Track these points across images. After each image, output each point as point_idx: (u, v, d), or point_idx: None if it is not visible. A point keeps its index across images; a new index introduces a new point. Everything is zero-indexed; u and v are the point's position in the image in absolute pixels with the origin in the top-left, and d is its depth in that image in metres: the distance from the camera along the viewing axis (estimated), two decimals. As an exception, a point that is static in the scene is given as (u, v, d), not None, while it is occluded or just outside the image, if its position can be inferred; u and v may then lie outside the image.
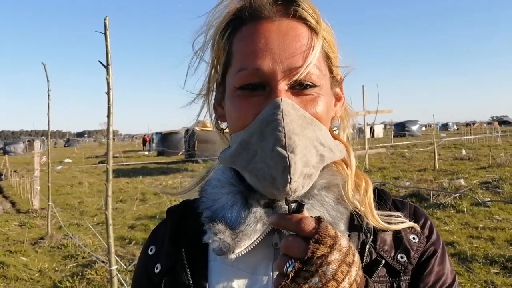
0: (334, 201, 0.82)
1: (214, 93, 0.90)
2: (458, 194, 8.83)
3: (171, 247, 0.87)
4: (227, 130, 0.90)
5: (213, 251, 0.78)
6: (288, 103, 0.72)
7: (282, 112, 0.71)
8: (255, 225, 0.78)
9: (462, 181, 11.12)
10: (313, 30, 0.78)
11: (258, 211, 0.79)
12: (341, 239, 0.66)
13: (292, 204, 0.71)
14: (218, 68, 0.86)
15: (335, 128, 0.93)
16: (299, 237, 0.66)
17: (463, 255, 5.89)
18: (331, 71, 0.84)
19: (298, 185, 0.72)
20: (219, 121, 0.93)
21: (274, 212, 0.78)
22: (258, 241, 0.78)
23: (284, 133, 0.69)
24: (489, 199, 8.83)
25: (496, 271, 5.33)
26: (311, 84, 0.76)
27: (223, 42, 0.82)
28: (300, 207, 0.69)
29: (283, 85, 0.74)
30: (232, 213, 0.80)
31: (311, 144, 0.74)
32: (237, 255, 0.77)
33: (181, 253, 0.85)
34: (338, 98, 0.90)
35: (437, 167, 14.77)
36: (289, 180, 0.70)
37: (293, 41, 0.76)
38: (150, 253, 0.92)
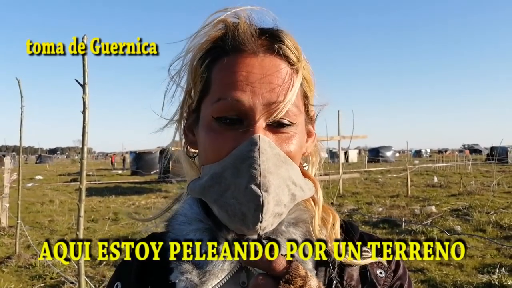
0: (302, 238, 0.82)
1: (186, 119, 0.89)
2: (429, 222, 8.98)
3: (137, 285, 0.83)
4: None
5: None
6: (265, 141, 0.72)
7: (259, 149, 0.70)
8: (223, 264, 0.76)
9: (433, 208, 11.30)
10: (294, 68, 0.78)
11: None
12: (311, 280, 0.66)
13: (264, 241, 0.69)
14: (192, 94, 0.85)
15: (305, 164, 0.93)
16: (269, 276, 0.66)
17: (433, 281, 5.94)
18: (306, 109, 0.85)
19: (268, 223, 0.72)
20: (189, 148, 0.91)
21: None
22: (225, 280, 0.77)
23: (260, 171, 0.69)
24: (459, 227, 9.04)
25: (464, 298, 5.40)
26: (288, 122, 0.76)
27: (201, 69, 0.81)
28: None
29: (261, 122, 0.74)
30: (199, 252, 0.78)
31: (284, 183, 0.74)
32: None
33: None
34: (309, 135, 0.90)
35: (409, 194, 14.95)
36: (260, 219, 0.70)
37: (274, 78, 0.75)
38: None
